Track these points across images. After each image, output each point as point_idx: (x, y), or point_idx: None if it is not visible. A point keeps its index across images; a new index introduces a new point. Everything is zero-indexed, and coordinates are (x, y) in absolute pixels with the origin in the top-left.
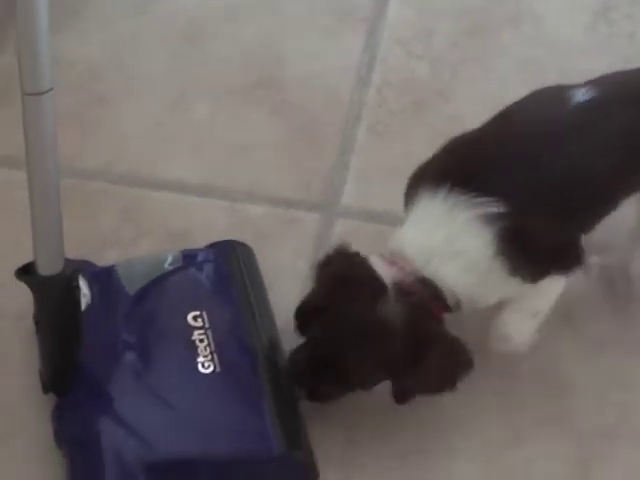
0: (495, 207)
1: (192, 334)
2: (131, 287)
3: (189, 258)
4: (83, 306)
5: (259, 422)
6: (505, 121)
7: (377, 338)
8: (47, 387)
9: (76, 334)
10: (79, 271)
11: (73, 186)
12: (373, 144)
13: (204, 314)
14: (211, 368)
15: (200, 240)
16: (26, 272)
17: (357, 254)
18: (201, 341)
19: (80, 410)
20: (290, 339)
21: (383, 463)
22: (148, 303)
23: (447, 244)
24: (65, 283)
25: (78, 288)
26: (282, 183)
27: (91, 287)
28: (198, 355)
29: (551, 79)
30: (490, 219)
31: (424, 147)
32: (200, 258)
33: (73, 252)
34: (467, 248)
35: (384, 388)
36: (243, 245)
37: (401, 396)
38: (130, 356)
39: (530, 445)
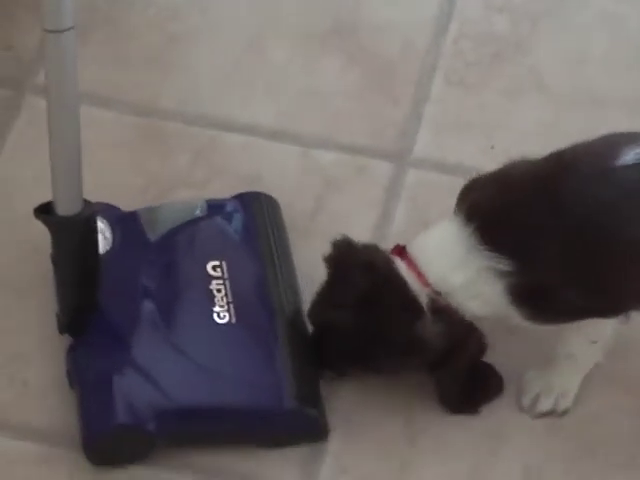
0: (504, 265)
1: (210, 283)
2: (153, 234)
3: (214, 208)
4: (104, 250)
5: (271, 375)
6: (557, 172)
7: (414, 354)
8: (63, 327)
9: (92, 276)
10: (98, 213)
11: (149, 126)
12: (448, 95)
13: (224, 264)
14: (227, 318)
15: (270, 184)
16: (44, 211)
17: (375, 250)
18: (218, 291)
19: (95, 352)
20: None
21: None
22: (169, 250)
23: (466, 287)
24: (83, 224)
25: (96, 230)
26: (355, 131)
27: (113, 231)
28: (214, 305)
29: (633, 36)
30: (500, 274)
31: (500, 100)
32: (225, 208)
33: (146, 191)
34: (484, 292)
35: None
36: (270, 198)
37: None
38: (148, 303)
39: None
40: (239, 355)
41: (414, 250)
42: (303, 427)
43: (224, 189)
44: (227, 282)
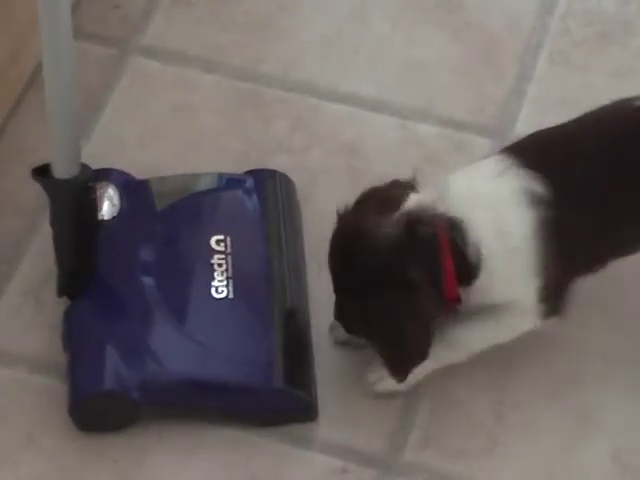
0: (545, 191)
1: (212, 257)
2: (161, 203)
3: (226, 182)
4: (110, 216)
5: (262, 353)
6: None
7: (361, 248)
8: (61, 289)
9: (90, 240)
10: (96, 177)
11: (252, 91)
12: (552, 73)
13: (228, 239)
14: (224, 294)
15: (368, 154)
16: (42, 173)
17: (408, 184)
18: (219, 265)
19: (89, 317)
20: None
21: None
22: (174, 221)
23: (489, 196)
24: (79, 188)
25: (93, 194)
26: (456, 105)
27: (122, 198)
28: (214, 279)
29: None
30: (537, 201)
31: (605, 80)
32: (238, 183)
33: (246, 156)
34: (506, 213)
35: None
36: (285, 177)
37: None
38: (147, 272)
39: None
40: (233, 331)
41: (441, 179)
42: (291, 408)
43: (323, 157)
44: (229, 257)
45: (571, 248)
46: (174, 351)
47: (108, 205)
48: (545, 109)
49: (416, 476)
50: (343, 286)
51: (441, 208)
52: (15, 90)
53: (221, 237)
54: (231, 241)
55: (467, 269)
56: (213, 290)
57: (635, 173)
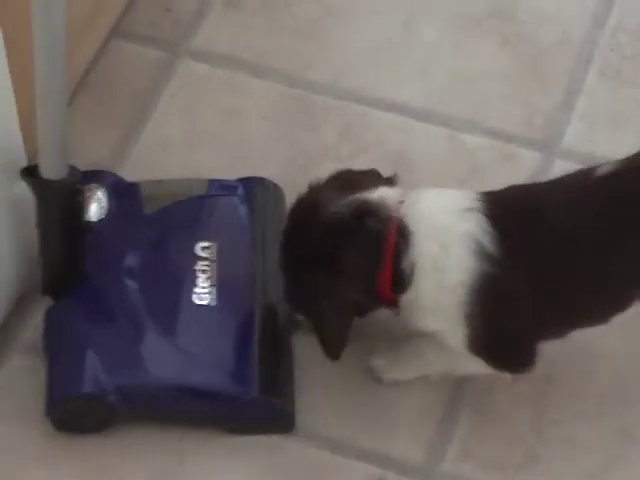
0: (493, 248)
1: (196, 264)
2: (150, 207)
3: (216, 188)
4: (98, 218)
5: (241, 362)
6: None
7: (310, 224)
8: (44, 289)
9: (75, 242)
10: (86, 179)
11: (300, 97)
12: (601, 87)
13: (214, 246)
14: (206, 301)
15: (415, 164)
16: (30, 174)
17: (386, 179)
18: (203, 272)
19: (72, 318)
20: None
21: None
22: (161, 226)
23: (443, 231)
24: (67, 190)
25: (81, 195)
26: (504, 117)
27: (110, 201)
28: (196, 286)
29: None
30: (482, 254)
31: None
32: (227, 190)
33: (293, 162)
34: (454, 252)
35: None
36: (275, 185)
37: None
38: (131, 277)
39: None
40: (213, 338)
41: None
42: (269, 417)
43: (369, 165)
44: (214, 265)
45: (511, 310)
46: (153, 356)
47: (96, 207)
48: (594, 123)
49: None
50: (284, 258)
51: (399, 213)
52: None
53: (207, 244)
54: (217, 248)
55: (399, 278)
56: (195, 297)
57: (591, 252)
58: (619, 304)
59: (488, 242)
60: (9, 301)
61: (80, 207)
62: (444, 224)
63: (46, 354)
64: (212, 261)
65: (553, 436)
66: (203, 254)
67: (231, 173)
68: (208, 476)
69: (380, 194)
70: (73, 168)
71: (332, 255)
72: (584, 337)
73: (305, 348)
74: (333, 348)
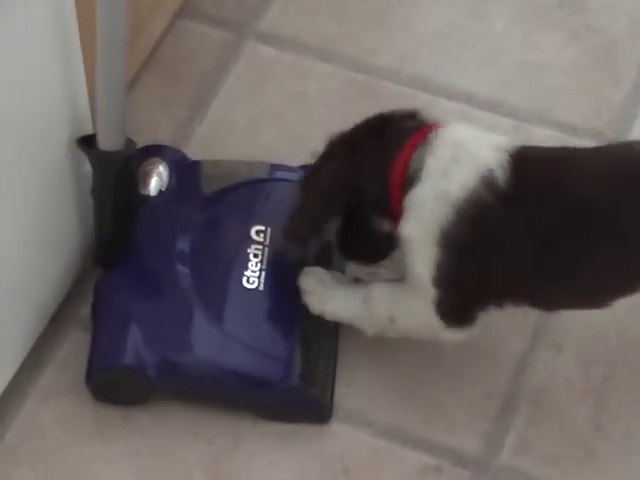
0: (502, 184)
1: (249, 247)
2: (209, 187)
3: (276, 172)
4: (156, 191)
5: (282, 349)
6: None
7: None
8: (97, 259)
9: (129, 215)
10: (149, 153)
11: (365, 82)
12: None
13: (268, 230)
14: (255, 284)
15: None
16: (87, 144)
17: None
18: (255, 256)
19: (119, 291)
20: None
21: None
22: (218, 206)
23: (465, 153)
24: (122, 162)
25: (141, 168)
26: (571, 109)
27: (171, 176)
28: (247, 269)
29: None
30: (488, 183)
31: None
32: (287, 175)
33: None
34: (460, 167)
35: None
36: None
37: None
38: (183, 254)
39: None
40: (257, 323)
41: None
42: (305, 406)
43: None
44: (266, 249)
45: (489, 252)
46: (196, 335)
47: (156, 181)
48: None
49: (511, 479)
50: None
51: (436, 126)
52: (133, 68)
53: (262, 227)
54: (271, 232)
55: (407, 176)
56: (245, 280)
57: (605, 234)
58: (619, 288)
59: (500, 177)
60: (71, 277)
61: (135, 180)
62: (469, 145)
63: (93, 324)
64: (265, 245)
65: (612, 431)
66: (257, 238)
67: (294, 156)
68: (262, 462)
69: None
70: (129, 141)
71: (354, 141)
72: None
73: (360, 332)
74: (303, 223)
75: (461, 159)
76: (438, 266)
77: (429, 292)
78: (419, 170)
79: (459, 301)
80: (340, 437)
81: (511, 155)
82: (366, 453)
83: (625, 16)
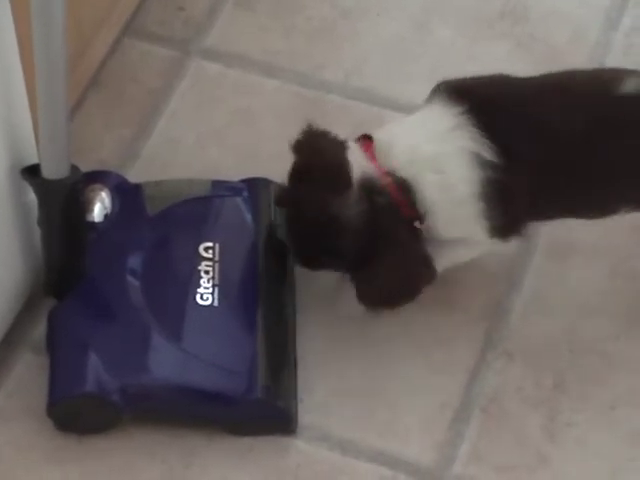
0: (492, 155)
1: (199, 264)
2: (153, 208)
3: (219, 189)
4: (101, 218)
5: (244, 362)
6: (554, 85)
7: (329, 234)
8: (47, 288)
9: (77, 242)
10: (90, 179)
11: (313, 97)
12: None
13: (216, 246)
14: (209, 301)
15: None
16: (31, 173)
17: (333, 138)
18: (206, 272)
19: (75, 317)
20: None
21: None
22: (165, 226)
23: (435, 158)
24: (68, 189)
25: (84, 195)
26: None
27: (114, 201)
28: (199, 286)
29: None
30: (483, 163)
31: None
32: (229, 190)
33: None
34: (451, 173)
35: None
36: (278, 186)
37: (362, 296)
38: (134, 277)
39: None
40: (215, 339)
41: (380, 133)
42: (270, 418)
43: None
44: (217, 265)
45: (518, 202)
46: (156, 357)
47: (99, 208)
48: None
49: None
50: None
51: (386, 168)
52: (78, 90)
53: (210, 244)
54: (220, 249)
55: (417, 216)
56: (198, 297)
57: (598, 163)
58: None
59: (484, 152)
60: (19, 301)
61: (81, 207)
62: (433, 157)
63: (49, 354)
64: (215, 261)
65: (564, 439)
66: (206, 254)
67: (242, 173)
68: (215, 478)
69: (361, 168)
70: (74, 168)
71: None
72: (592, 341)
73: (313, 347)
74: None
75: (445, 170)
76: (492, 230)
77: (483, 239)
78: (426, 206)
79: (510, 226)
80: (295, 451)
81: (472, 126)
82: (321, 467)
83: (567, 24)
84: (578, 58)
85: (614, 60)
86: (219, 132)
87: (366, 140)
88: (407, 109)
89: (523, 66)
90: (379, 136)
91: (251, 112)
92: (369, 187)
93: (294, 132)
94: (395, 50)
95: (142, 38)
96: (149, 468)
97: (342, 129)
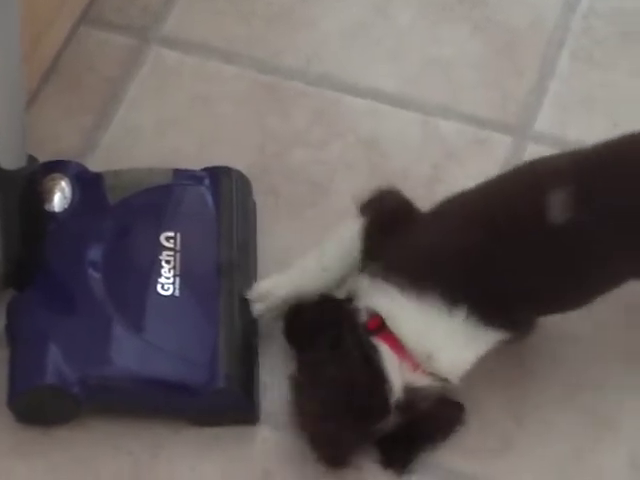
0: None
1: (160, 254)
2: (114, 197)
3: (180, 178)
4: (61, 208)
5: (205, 353)
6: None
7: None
8: (7, 280)
9: (36, 232)
10: (50, 169)
11: (272, 83)
12: (574, 71)
13: (178, 236)
14: (170, 291)
15: (389, 149)
16: None
17: (362, 337)
18: (167, 262)
19: (34, 309)
20: None
21: None
22: (125, 216)
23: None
24: (25, 180)
25: (44, 185)
26: (477, 101)
27: (74, 191)
28: (160, 276)
29: None
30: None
31: (626, 79)
32: (191, 179)
33: (264, 148)
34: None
35: None
36: (242, 176)
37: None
38: (94, 267)
39: None
40: (177, 329)
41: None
42: (233, 408)
43: (342, 151)
44: (178, 255)
45: None
46: (117, 347)
47: (59, 197)
48: (566, 107)
49: (431, 475)
50: None
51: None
52: (34, 79)
53: (171, 234)
54: (181, 238)
55: None
56: (159, 287)
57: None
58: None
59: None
60: None
61: (39, 197)
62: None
63: (9, 346)
64: (176, 251)
65: (529, 422)
66: (167, 244)
67: (202, 160)
68: (183, 469)
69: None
70: (32, 158)
71: None
72: (554, 324)
73: (278, 334)
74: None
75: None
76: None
77: None
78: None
79: None
80: (261, 439)
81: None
82: (287, 455)
83: (525, 9)
84: (537, 41)
85: (573, 43)
86: (179, 120)
87: (384, 333)
88: (367, 94)
89: (482, 49)
90: (396, 328)
91: (210, 99)
92: (411, 399)
93: (253, 118)
94: (355, 35)
95: (99, 26)
96: (115, 460)
97: (302, 115)
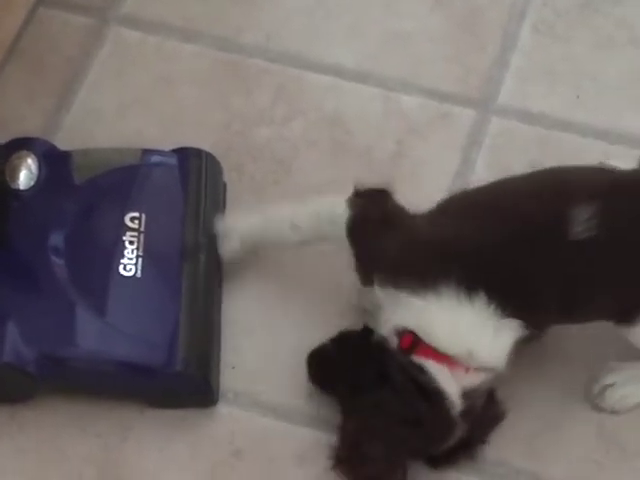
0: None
1: (124, 234)
2: (81, 177)
3: (149, 158)
4: (27, 185)
5: (165, 334)
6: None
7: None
8: None
9: (1, 210)
10: (17, 146)
11: (233, 61)
12: (535, 44)
13: (143, 217)
14: (132, 272)
15: (351, 125)
16: None
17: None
18: (131, 243)
19: None
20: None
21: None
22: (91, 195)
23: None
24: None
25: (8, 163)
26: (439, 76)
27: (41, 168)
28: (123, 257)
29: None
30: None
31: (587, 50)
32: (159, 160)
33: (228, 127)
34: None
35: None
36: (212, 157)
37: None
38: (57, 247)
39: None
40: (137, 310)
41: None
42: (190, 390)
43: (305, 128)
44: (142, 236)
45: None
46: (75, 328)
47: (26, 175)
48: (528, 79)
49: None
50: None
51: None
52: None
53: (136, 214)
54: (146, 219)
55: None
56: (122, 268)
57: None
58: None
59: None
60: None
61: (4, 174)
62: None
63: None
64: (140, 232)
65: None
66: (132, 225)
67: (166, 140)
68: (152, 450)
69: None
70: None
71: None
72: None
73: (242, 315)
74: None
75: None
76: None
77: None
78: None
79: None
80: (229, 419)
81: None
82: (256, 433)
83: None
84: (498, 14)
85: (534, 15)
86: (141, 100)
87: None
88: (329, 70)
89: (443, 22)
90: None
91: (172, 79)
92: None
93: (215, 97)
94: (314, 11)
95: (58, 7)
96: (84, 442)
97: (264, 93)
